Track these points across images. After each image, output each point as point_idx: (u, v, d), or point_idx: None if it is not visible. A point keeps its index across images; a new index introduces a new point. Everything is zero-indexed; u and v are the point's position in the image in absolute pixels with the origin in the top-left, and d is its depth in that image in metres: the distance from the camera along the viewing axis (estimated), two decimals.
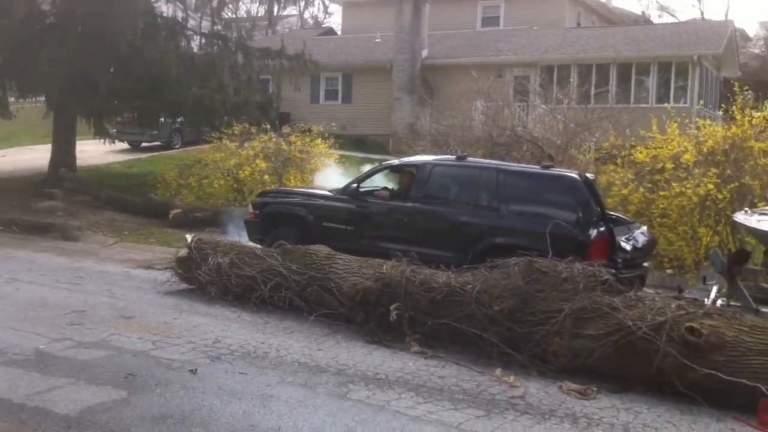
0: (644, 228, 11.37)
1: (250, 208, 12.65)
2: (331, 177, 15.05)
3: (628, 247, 10.13)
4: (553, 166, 11.79)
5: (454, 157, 11.89)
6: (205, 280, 10.23)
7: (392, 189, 12.06)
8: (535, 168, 11.46)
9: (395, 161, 12.33)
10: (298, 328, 8.96)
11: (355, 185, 11.68)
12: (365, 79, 32.11)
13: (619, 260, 9.75)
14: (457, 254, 9.86)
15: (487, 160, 12.84)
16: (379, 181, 12.15)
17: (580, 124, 17.96)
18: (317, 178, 15.98)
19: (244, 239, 12.08)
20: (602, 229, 9.85)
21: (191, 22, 23.52)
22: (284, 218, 12.07)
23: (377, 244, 10.75)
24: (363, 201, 11.55)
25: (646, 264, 10.96)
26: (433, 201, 11.14)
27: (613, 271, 9.08)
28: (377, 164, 12.42)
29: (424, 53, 30.91)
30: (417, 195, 11.17)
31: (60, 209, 17.95)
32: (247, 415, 6.22)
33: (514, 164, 12.75)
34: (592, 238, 9.76)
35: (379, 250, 10.22)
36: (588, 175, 11.12)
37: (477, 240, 10.31)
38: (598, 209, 10.09)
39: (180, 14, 23.06)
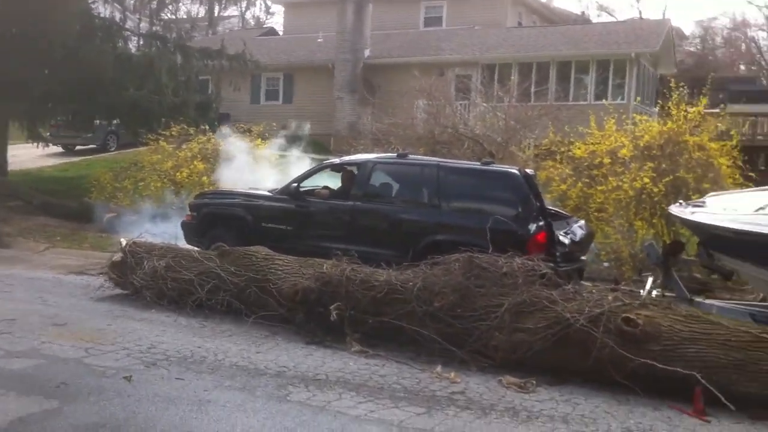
0: (582, 222, 11.48)
1: (187, 210, 12.41)
2: (271, 177, 14.90)
3: (567, 241, 10.22)
4: (493, 163, 11.85)
5: (395, 155, 11.85)
6: (140, 285, 10.00)
7: (333, 188, 11.96)
8: (475, 164, 11.49)
9: (336, 160, 12.25)
10: (236, 331, 8.81)
11: (295, 185, 11.56)
12: (307, 79, 31.99)
13: (558, 254, 9.82)
14: (398, 252, 9.81)
15: (428, 158, 12.83)
16: (321, 180, 12.03)
17: (520, 121, 18.10)
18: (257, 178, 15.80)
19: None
20: (541, 223, 9.90)
21: (129, 23, 23.07)
22: (222, 219, 11.91)
23: (318, 244, 10.63)
24: (303, 200, 11.44)
25: (583, 257, 11.08)
26: (374, 199, 11.10)
27: (552, 264, 9.16)
28: (318, 163, 12.31)
29: (367, 53, 30.90)
30: (358, 193, 11.11)
31: None
32: (184, 420, 6.08)
33: (455, 161, 12.77)
34: (531, 232, 9.82)
35: (320, 249, 10.10)
36: (528, 170, 11.19)
37: (418, 237, 10.29)
38: (538, 204, 10.14)
39: (118, 15, 22.60)
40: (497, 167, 11.36)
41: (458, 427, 6.17)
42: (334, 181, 12.13)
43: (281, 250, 9.90)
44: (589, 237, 11.36)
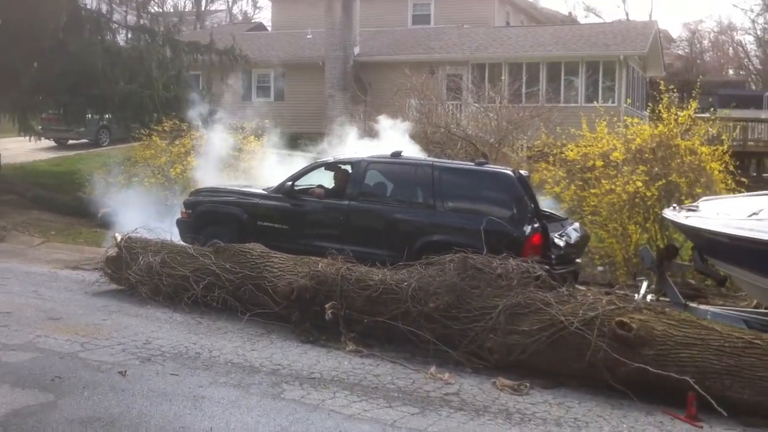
0: (577, 224, 11.53)
1: (182, 208, 12.38)
2: (265, 175, 14.90)
3: (562, 244, 10.27)
4: (487, 163, 11.87)
5: (389, 154, 11.88)
6: (136, 280, 10.04)
7: (328, 187, 11.97)
8: (469, 165, 11.51)
9: (330, 158, 12.24)
10: (231, 328, 8.86)
11: (290, 183, 11.54)
12: (298, 76, 31.90)
13: (553, 256, 9.86)
14: (393, 252, 9.81)
15: (422, 157, 12.85)
16: (315, 178, 12.04)
17: (512, 122, 18.19)
18: (251, 175, 15.80)
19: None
20: (536, 225, 9.91)
21: (116, 16, 22.89)
22: (217, 217, 11.89)
23: (313, 243, 10.63)
24: (298, 199, 11.43)
25: (578, 260, 11.12)
26: (368, 198, 11.10)
27: (547, 267, 9.21)
28: (312, 162, 12.30)
29: (356, 50, 30.88)
30: (352, 192, 11.10)
31: None
32: (178, 416, 6.13)
33: (449, 161, 12.79)
34: (526, 234, 9.83)
35: (315, 249, 10.11)
36: (522, 171, 11.22)
37: (413, 237, 10.27)
38: (532, 206, 10.16)
39: (104, 7, 22.44)
40: (491, 167, 11.38)
41: (452, 428, 6.24)
42: (328, 180, 12.15)
43: (276, 249, 9.91)
44: (583, 240, 11.41)
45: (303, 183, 11.71)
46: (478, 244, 9.03)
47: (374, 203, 11.08)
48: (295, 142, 18.64)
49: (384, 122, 15.25)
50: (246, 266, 9.46)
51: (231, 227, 11.53)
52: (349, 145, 14.65)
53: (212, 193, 12.51)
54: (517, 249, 9.35)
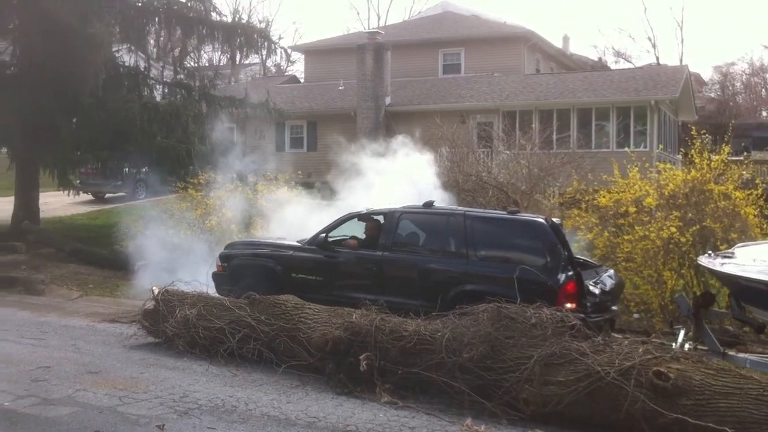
0: (611, 271, 11.46)
1: (218, 261, 12.53)
2: (298, 225, 15.02)
3: (597, 291, 10.22)
4: (519, 212, 11.90)
5: (421, 204, 11.97)
6: (173, 333, 10.14)
7: (360, 238, 12.06)
8: (501, 213, 11.55)
9: (363, 210, 12.37)
10: (267, 380, 8.89)
11: (324, 235, 11.66)
12: (330, 126, 32.23)
13: (589, 304, 9.82)
14: (427, 302, 9.83)
15: (454, 207, 12.92)
16: (348, 229, 12.14)
17: (543, 169, 18.18)
18: (283, 226, 15.96)
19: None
20: (570, 273, 9.89)
21: (153, 72, 23.49)
22: (252, 270, 11.99)
23: (347, 294, 10.70)
24: (331, 251, 11.54)
25: (614, 308, 11.04)
26: (401, 249, 11.18)
27: (583, 315, 9.17)
28: (345, 213, 12.40)
29: (388, 100, 31.25)
30: (386, 243, 11.19)
31: (24, 262, 17.66)
32: None
33: (481, 210, 12.84)
34: (561, 282, 9.81)
35: (349, 300, 10.18)
36: (555, 219, 11.22)
37: (447, 287, 10.29)
38: (566, 253, 10.15)
39: (142, 64, 23.05)
40: (523, 216, 11.39)
41: None
42: (361, 230, 12.25)
43: (310, 301, 9.98)
44: (619, 287, 11.34)
45: (336, 234, 11.81)
46: (511, 293, 9.03)
47: (407, 253, 11.15)
48: (327, 191, 18.80)
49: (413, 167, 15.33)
50: (281, 318, 9.53)
51: (265, 279, 11.62)
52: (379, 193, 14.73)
53: (246, 246, 12.67)
54: (552, 297, 9.34)
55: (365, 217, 12.10)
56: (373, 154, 15.37)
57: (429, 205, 11.70)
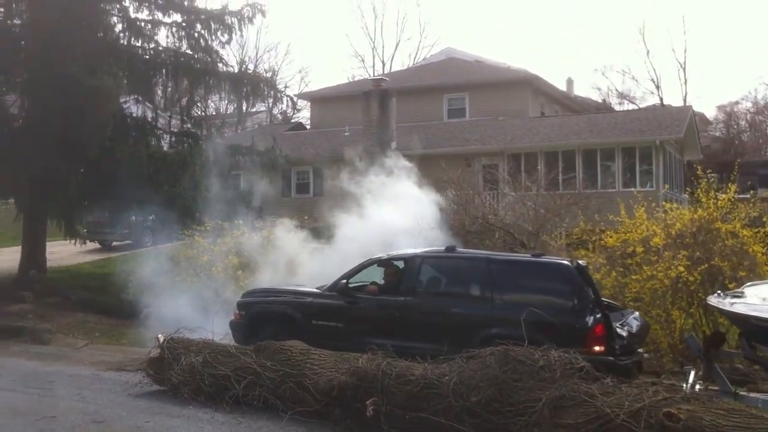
0: (636, 314, 11.40)
1: (235, 309, 12.34)
2: (307, 270, 15.01)
3: (624, 334, 10.12)
4: (543, 255, 11.81)
5: (443, 248, 11.90)
6: (178, 381, 10.07)
7: (381, 283, 11.91)
8: (526, 256, 11.47)
9: (383, 255, 12.21)
10: (272, 428, 8.79)
11: (344, 281, 11.55)
12: (336, 171, 32.35)
13: (617, 347, 9.70)
14: (452, 347, 9.48)
15: (477, 250, 12.85)
16: (368, 275, 12.05)
17: (549, 210, 18.15)
18: (292, 271, 15.94)
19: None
20: (598, 315, 9.79)
21: (161, 121, 23.70)
22: (271, 317, 11.83)
23: (368, 340, 10.29)
24: (352, 297, 11.43)
25: (640, 350, 10.88)
26: (424, 294, 11.08)
27: (612, 358, 9.14)
28: (365, 259, 12.27)
29: (393, 145, 31.36)
30: (408, 288, 11.10)
31: (30, 312, 17.66)
32: None
33: (505, 253, 12.77)
34: (589, 325, 9.73)
35: (371, 346, 9.74)
36: (580, 261, 11.12)
37: (473, 331, 10.09)
38: (593, 296, 10.05)
39: (150, 114, 23.25)
40: (549, 259, 11.34)
41: None
42: (380, 277, 12.16)
43: (332, 348, 9.87)
44: (644, 329, 11.24)
45: (356, 280, 11.72)
46: (539, 337, 8.92)
47: (430, 298, 11.04)
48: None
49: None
50: (286, 364, 9.46)
51: (285, 327, 11.40)
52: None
53: (264, 294, 12.52)
54: (581, 340, 9.32)
55: (385, 262, 12.00)
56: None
57: (451, 249, 11.66)
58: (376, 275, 12.16)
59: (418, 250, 11.79)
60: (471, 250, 12.72)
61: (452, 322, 10.53)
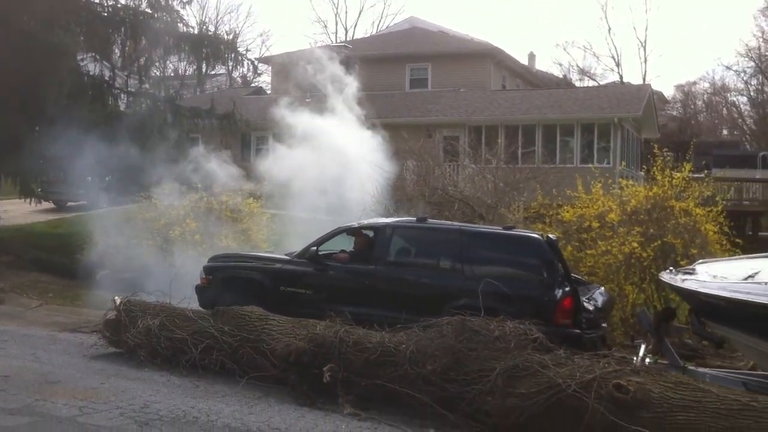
0: (602, 288, 11.60)
1: (202, 273, 12.18)
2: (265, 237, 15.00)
3: (591, 308, 10.28)
4: (515, 228, 11.92)
5: (415, 218, 11.94)
6: (134, 343, 10.03)
7: (350, 251, 11.92)
8: (497, 229, 11.53)
9: (354, 223, 12.17)
10: (229, 392, 8.82)
11: (315, 248, 11.46)
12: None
13: (584, 320, 9.86)
14: (420, 316, 9.39)
15: (449, 222, 12.92)
16: (336, 243, 12.00)
17: (508, 183, 18.33)
18: (249, 237, 15.91)
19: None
20: (567, 289, 9.93)
21: (118, 81, 23.26)
22: (239, 283, 11.67)
23: (337, 308, 10.15)
24: (322, 264, 11.37)
25: (604, 324, 11.05)
26: (395, 263, 11.10)
27: (578, 331, 9.32)
28: (337, 227, 12.23)
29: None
30: (378, 257, 11.10)
31: None
32: None
33: (477, 226, 12.86)
34: (558, 298, 9.86)
35: (340, 314, 9.69)
36: (551, 235, 11.23)
37: (441, 302, 10.04)
38: (563, 270, 10.20)
39: (107, 73, 22.81)
40: (521, 232, 11.46)
41: None
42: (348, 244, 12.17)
43: (300, 315, 9.87)
44: (609, 303, 11.42)
45: (325, 247, 11.69)
46: (508, 308, 9.04)
47: (401, 268, 11.07)
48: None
49: None
50: (245, 329, 9.47)
51: (253, 293, 11.28)
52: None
53: (232, 259, 12.42)
54: (549, 313, 9.43)
55: (355, 231, 12.02)
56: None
57: (423, 219, 11.70)
58: (346, 244, 12.16)
59: (390, 220, 11.81)
60: (443, 222, 12.80)
61: (422, 292, 10.60)
